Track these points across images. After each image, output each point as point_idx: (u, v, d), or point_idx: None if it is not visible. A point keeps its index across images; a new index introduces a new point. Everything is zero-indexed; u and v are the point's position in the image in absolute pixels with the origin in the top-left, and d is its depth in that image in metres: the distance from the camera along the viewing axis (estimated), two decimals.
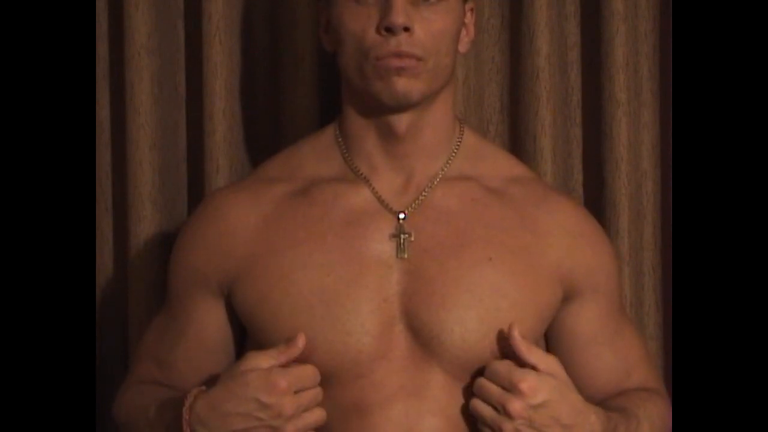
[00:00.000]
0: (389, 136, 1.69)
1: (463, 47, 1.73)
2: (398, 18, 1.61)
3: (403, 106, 1.66)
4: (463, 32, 1.72)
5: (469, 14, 1.73)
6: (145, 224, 2.00)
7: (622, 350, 1.77)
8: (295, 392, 1.59)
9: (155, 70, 2.00)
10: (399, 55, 1.62)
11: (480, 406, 1.61)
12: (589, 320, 1.74)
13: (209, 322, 1.73)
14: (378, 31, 1.62)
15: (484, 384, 1.61)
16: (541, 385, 1.60)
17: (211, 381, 1.66)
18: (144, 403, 1.71)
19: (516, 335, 1.61)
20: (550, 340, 1.75)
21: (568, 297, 1.72)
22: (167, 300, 1.78)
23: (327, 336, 1.63)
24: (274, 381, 1.58)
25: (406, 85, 1.63)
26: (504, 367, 1.61)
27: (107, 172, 2.05)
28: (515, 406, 1.58)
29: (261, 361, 1.60)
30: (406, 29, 1.62)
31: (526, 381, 1.59)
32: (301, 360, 1.62)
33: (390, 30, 1.61)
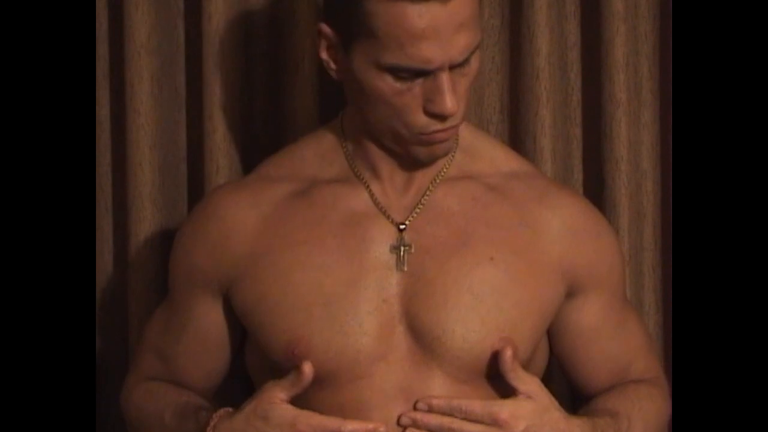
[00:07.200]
0: (393, 150, 1.68)
1: None
2: (452, 107, 1.59)
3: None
4: None
5: None
6: (145, 224, 2.00)
7: (625, 341, 1.78)
8: None
9: (155, 70, 2.00)
10: (446, 130, 1.63)
11: None
12: (592, 314, 1.74)
13: (207, 320, 1.74)
14: (426, 112, 1.60)
15: (463, 426, 1.61)
16: (520, 411, 1.61)
17: (226, 392, 1.73)
18: (157, 407, 1.73)
19: (509, 356, 1.61)
20: (553, 335, 1.75)
21: (571, 292, 1.72)
22: (169, 292, 1.79)
23: (324, 336, 1.63)
24: (298, 428, 1.59)
25: (445, 147, 1.65)
26: (478, 406, 1.61)
27: (107, 172, 2.05)
28: None
29: (276, 393, 1.61)
30: None
31: (505, 409, 1.61)
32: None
33: (443, 117, 1.60)
